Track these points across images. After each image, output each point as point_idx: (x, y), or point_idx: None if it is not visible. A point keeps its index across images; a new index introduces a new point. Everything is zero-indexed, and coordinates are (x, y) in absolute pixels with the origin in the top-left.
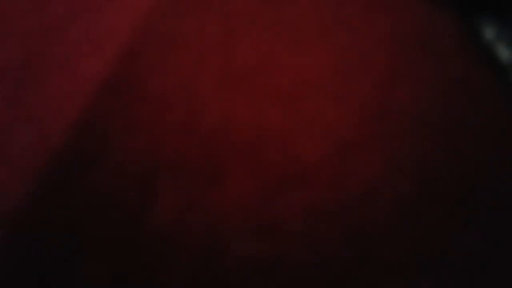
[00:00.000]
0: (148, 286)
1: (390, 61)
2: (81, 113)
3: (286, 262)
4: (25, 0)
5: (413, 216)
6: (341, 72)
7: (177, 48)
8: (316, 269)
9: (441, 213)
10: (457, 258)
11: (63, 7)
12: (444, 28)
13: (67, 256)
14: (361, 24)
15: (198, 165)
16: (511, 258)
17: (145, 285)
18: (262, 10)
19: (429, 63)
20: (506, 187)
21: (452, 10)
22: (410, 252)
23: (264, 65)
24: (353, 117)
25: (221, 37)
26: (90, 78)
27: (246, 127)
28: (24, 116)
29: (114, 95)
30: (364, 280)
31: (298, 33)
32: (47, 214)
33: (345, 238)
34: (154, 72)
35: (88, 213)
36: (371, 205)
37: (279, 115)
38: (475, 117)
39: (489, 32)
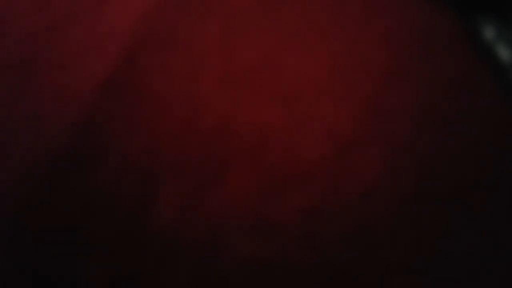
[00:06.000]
0: (148, 286)
1: (390, 61)
2: (81, 113)
3: (286, 262)
4: (25, 0)
5: (413, 216)
6: (341, 72)
7: (177, 48)
8: (316, 269)
9: (441, 213)
10: (457, 258)
11: (63, 7)
12: (444, 28)
13: (66, 257)
14: (361, 24)
15: (198, 165)
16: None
17: (145, 285)
18: (262, 10)
19: (429, 63)
20: (506, 187)
21: (452, 10)
22: (410, 252)
23: (264, 65)
24: (353, 117)
25: (221, 37)
26: (90, 78)
27: (246, 127)
28: (23, 116)
29: (114, 95)
30: (364, 280)
31: (298, 33)
32: (47, 215)
33: (345, 238)
34: (154, 72)
35: (88, 213)
36: (371, 205)
37: (279, 115)
38: (475, 117)
39: (489, 32)
